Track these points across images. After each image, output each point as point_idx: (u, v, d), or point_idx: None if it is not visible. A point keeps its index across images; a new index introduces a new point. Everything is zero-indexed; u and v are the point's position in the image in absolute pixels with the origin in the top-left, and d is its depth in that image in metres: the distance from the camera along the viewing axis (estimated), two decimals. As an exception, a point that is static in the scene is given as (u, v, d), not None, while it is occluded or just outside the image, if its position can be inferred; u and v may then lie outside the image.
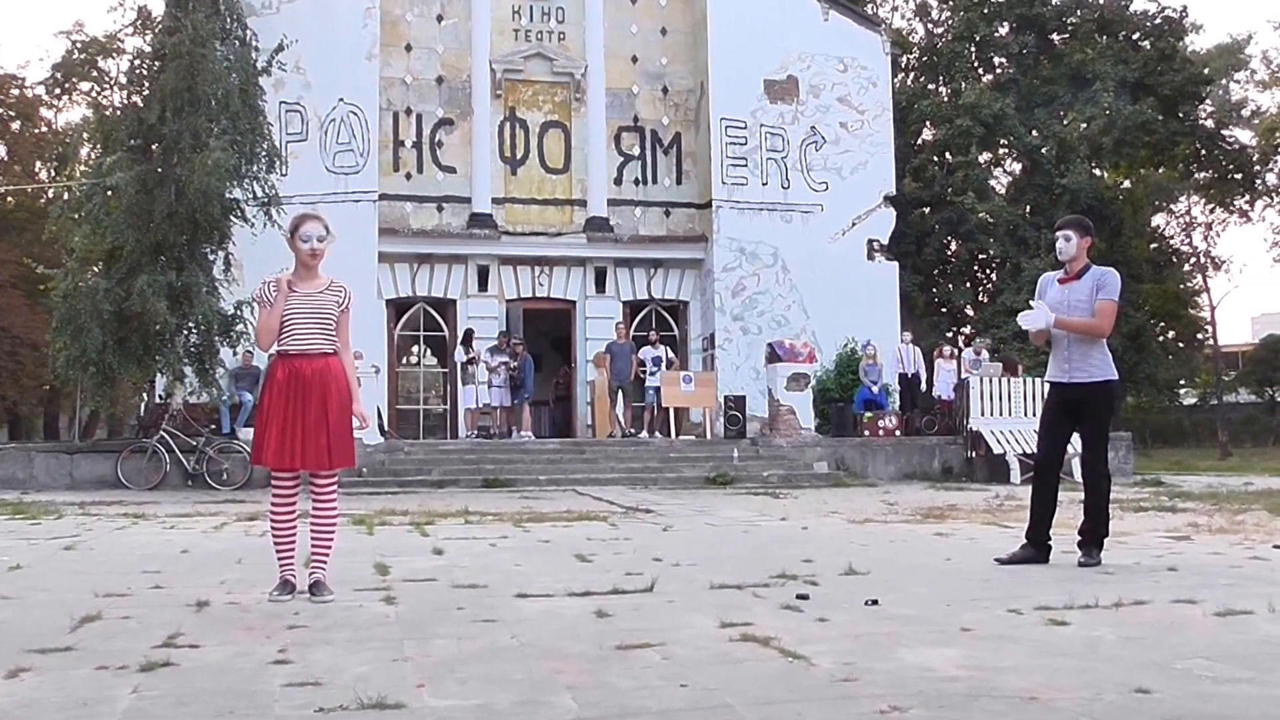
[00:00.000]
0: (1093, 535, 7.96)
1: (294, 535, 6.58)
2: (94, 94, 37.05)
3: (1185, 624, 5.56)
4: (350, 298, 6.66)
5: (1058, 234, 8.19)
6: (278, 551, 6.57)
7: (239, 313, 20.77)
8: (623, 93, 28.39)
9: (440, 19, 27.65)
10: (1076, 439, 8.31)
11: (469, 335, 24.52)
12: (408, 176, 27.22)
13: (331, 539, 6.63)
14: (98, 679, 4.40)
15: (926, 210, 37.56)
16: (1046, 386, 8.44)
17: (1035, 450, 8.68)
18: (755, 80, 28.02)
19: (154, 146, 20.75)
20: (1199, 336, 48.70)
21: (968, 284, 40.20)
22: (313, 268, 6.61)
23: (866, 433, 23.50)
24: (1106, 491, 8.11)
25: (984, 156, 40.09)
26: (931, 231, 37.28)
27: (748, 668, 4.57)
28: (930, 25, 43.96)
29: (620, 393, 24.39)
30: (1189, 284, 48.32)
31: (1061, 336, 8.04)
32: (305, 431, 6.35)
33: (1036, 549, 8.03)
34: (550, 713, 3.87)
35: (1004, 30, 40.81)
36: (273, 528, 6.61)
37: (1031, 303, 8.20)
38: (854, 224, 28.19)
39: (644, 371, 24.12)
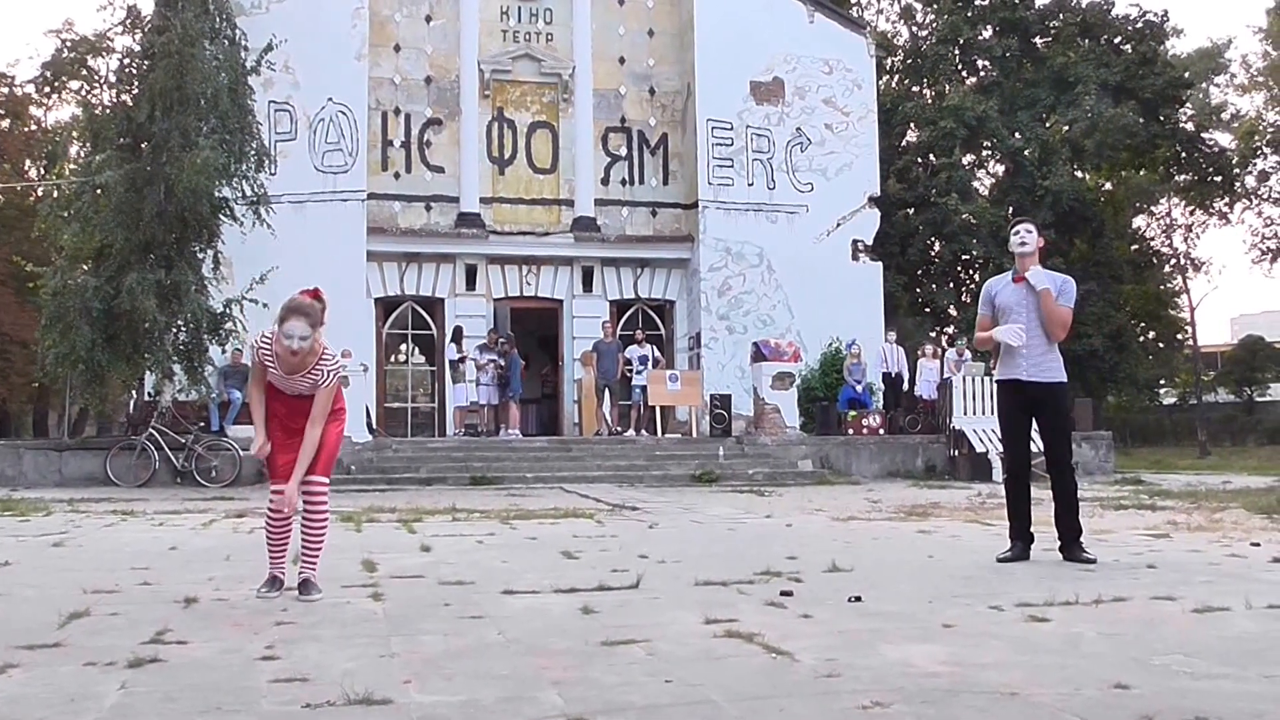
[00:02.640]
0: (1073, 532, 8.03)
1: (288, 536, 6.59)
2: (83, 92, 36.95)
3: (1164, 620, 5.60)
4: (332, 377, 6.37)
5: (1020, 227, 8.23)
6: (270, 548, 6.59)
7: (228, 311, 20.77)
8: (610, 94, 28.44)
9: (429, 19, 27.68)
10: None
11: (459, 333, 24.52)
12: (396, 176, 27.24)
13: (322, 540, 6.61)
14: (85, 675, 4.41)
15: (910, 211, 37.62)
16: (995, 386, 8.48)
17: (1003, 451, 8.71)
18: (741, 82, 28.08)
19: (143, 145, 20.71)
20: (1179, 337, 48.90)
21: (951, 284, 40.27)
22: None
23: (850, 431, 23.56)
24: (1076, 487, 8.21)
25: (967, 158, 40.15)
26: (915, 232, 37.33)
27: (732, 663, 4.60)
28: (914, 28, 44.03)
29: (607, 391, 24.40)
30: (1169, 285, 48.52)
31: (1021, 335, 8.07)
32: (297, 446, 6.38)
33: (1025, 545, 8.11)
34: (536, 708, 3.89)
35: (987, 33, 40.86)
36: (268, 525, 6.60)
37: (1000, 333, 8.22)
38: (839, 225, 28.27)
39: (630, 370, 24.14)
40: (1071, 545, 7.98)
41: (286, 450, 6.39)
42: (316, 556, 6.59)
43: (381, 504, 14.42)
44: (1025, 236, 8.14)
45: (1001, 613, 5.81)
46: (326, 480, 6.55)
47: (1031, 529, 8.16)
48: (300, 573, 6.52)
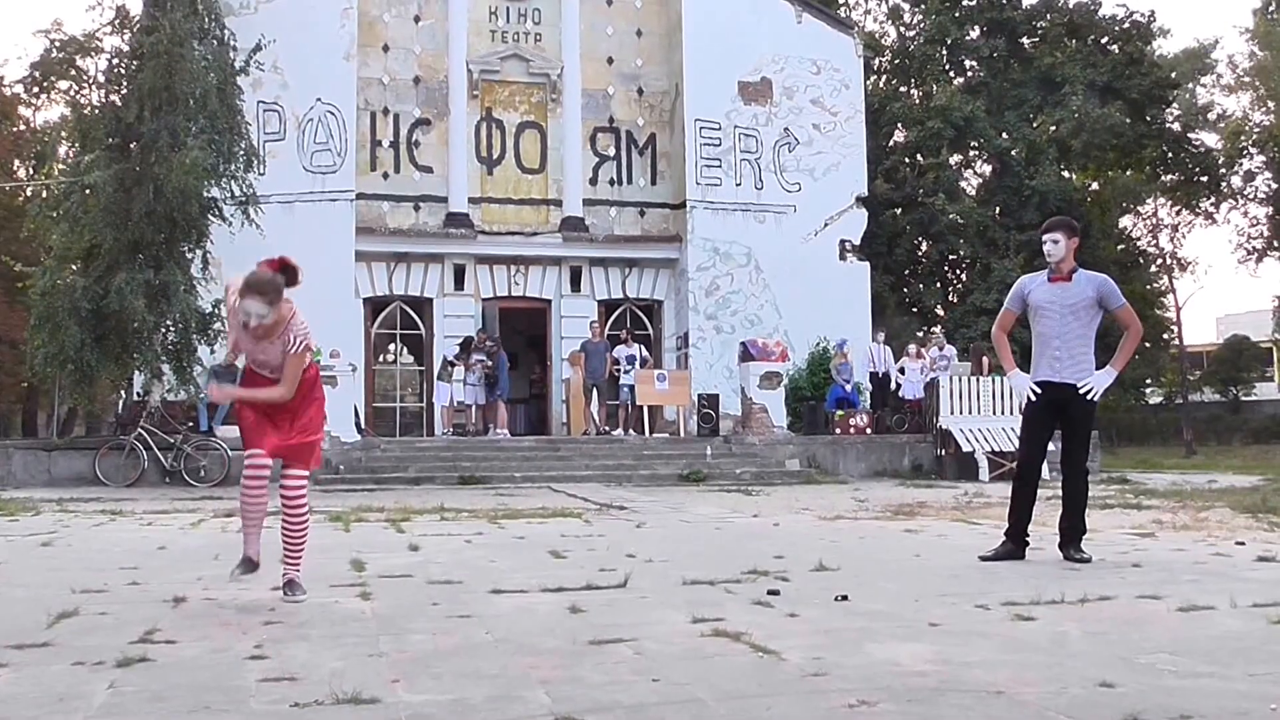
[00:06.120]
0: (1075, 532, 8.04)
1: (264, 509, 6.34)
2: (72, 92, 36.68)
3: (1149, 619, 5.63)
4: (299, 344, 6.18)
5: (1045, 237, 8.16)
6: (246, 524, 6.38)
7: (217, 311, 20.70)
8: (598, 94, 28.44)
9: (418, 20, 27.66)
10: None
11: (468, 343, 24.43)
12: (385, 176, 27.24)
13: (303, 538, 6.47)
14: (74, 675, 4.41)
15: (898, 211, 37.72)
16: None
17: (1018, 448, 8.70)
18: (729, 82, 28.09)
19: (132, 145, 20.68)
20: (1165, 336, 48.95)
21: (938, 284, 40.43)
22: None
23: (838, 431, 23.58)
24: (1087, 489, 8.22)
25: (955, 158, 40.31)
26: (903, 232, 37.43)
27: (719, 662, 4.62)
28: (902, 28, 44.12)
29: (595, 391, 24.41)
30: (1155, 285, 48.53)
31: (1053, 336, 8.07)
32: (278, 422, 6.28)
33: (1016, 545, 8.11)
34: (524, 707, 3.90)
35: (975, 34, 40.98)
36: (244, 495, 6.30)
37: (1023, 388, 8.26)
38: (826, 224, 28.30)
39: (619, 370, 24.16)
40: (1071, 544, 7.99)
41: (262, 427, 6.24)
42: (299, 556, 6.47)
43: (370, 503, 14.41)
44: (1051, 247, 8.10)
45: (988, 611, 5.83)
46: (305, 474, 6.42)
47: (1029, 534, 8.17)
48: (284, 574, 6.43)
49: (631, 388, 23.88)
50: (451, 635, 5.27)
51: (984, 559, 8.01)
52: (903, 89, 42.04)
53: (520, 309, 27.80)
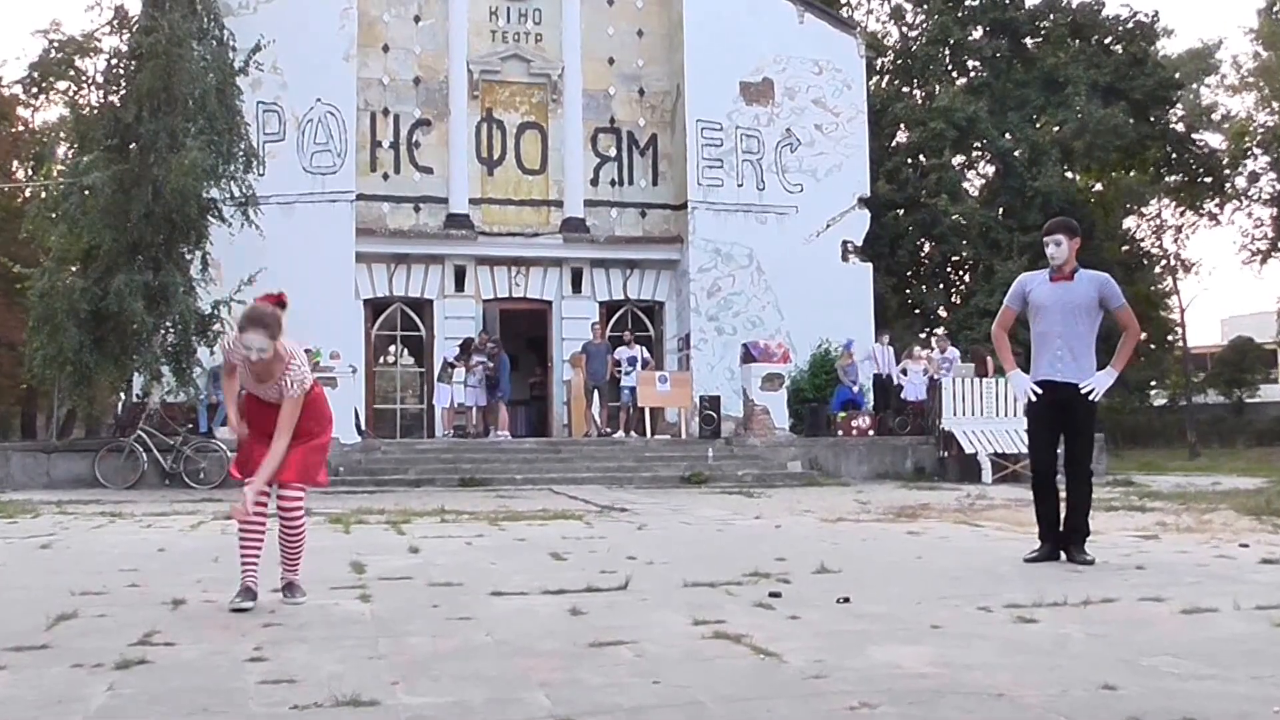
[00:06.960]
0: (1078, 534, 8.04)
1: (260, 542, 6.25)
2: (71, 93, 36.76)
3: (1152, 621, 5.62)
4: (295, 388, 6.20)
5: (1047, 239, 8.19)
6: (242, 554, 6.24)
7: (216, 312, 20.72)
8: (599, 94, 28.41)
9: (418, 20, 27.64)
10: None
11: (468, 345, 24.42)
12: (385, 177, 27.20)
13: (300, 547, 6.46)
14: (73, 677, 4.41)
15: (900, 212, 37.66)
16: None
17: (1029, 453, 8.64)
18: (731, 82, 28.05)
19: (131, 146, 20.65)
20: (1169, 338, 48.90)
21: (941, 285, 40.39)
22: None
23: (840, 432, 23.56)
24: (1090, 491, 8.22)
25: (957, 159, 40.26)
26: (905, 233, 37.39)
27: (719, 665, 4.62)
28: (905, 29, 44.08)
29: (596, 392, 24.41)
30: (1159, 286, 48.46)
31: (1055, 335, 8.06)
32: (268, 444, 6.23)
33: (1054, 544, 8.11)
34: (523, 709, 3.90)
35: (978, 34, 40.96)
36: (240, 528, 6.28)
37: (1023, 387, 8.22)
38: (828, 225, 28.25)
39: (620, 371, 24.14)
40: (1074, 546, 7.99)
41: (261, 444, 6.24)
42: (297, 561, 6.49)
43: (370, 505, 14.41)
44: (1054, 249, 8.13)
45: (989, 614, 5.83)
46: (302, 490, 6.39)
47: (1061, 528, 8.16)
48: (282, 577, 6.46)
49: (633, 389, 23.86)
50: (451, 637, 5.27)
51: (1028, 560, 8.03)
52: (905, 89, 42.03)
53: (521, 310, 27.77)
